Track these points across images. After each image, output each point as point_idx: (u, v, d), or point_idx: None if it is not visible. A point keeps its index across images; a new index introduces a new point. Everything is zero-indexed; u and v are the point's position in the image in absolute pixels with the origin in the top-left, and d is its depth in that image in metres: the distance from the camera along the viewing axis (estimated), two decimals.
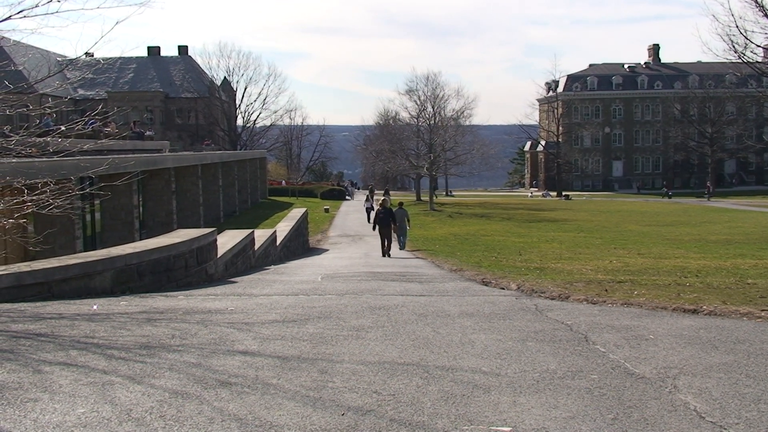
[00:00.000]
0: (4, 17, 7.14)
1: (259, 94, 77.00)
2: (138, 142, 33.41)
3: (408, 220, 22.03)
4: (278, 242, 18.72)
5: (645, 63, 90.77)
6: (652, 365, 4.05)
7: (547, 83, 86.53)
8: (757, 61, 25.59)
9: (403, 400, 3.35)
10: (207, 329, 5.02)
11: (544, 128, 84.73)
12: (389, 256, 19.91)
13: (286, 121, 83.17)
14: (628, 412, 3.22)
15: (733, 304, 6.73)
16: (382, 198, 25.85)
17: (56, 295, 6.75)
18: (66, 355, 4.16)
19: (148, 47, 75.72)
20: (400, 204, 22.74)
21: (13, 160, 8.32)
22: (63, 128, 8.20)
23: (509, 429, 2.99)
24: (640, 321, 5.57)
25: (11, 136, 7.73)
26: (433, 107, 59.22)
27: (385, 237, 20.47)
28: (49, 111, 9.64)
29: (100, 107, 10.20)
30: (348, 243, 29.24)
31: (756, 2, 22.94)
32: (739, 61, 25.01)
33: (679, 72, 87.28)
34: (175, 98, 72.19)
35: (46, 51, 52.34)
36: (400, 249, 21.45)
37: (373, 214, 38.58)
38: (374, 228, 21.29)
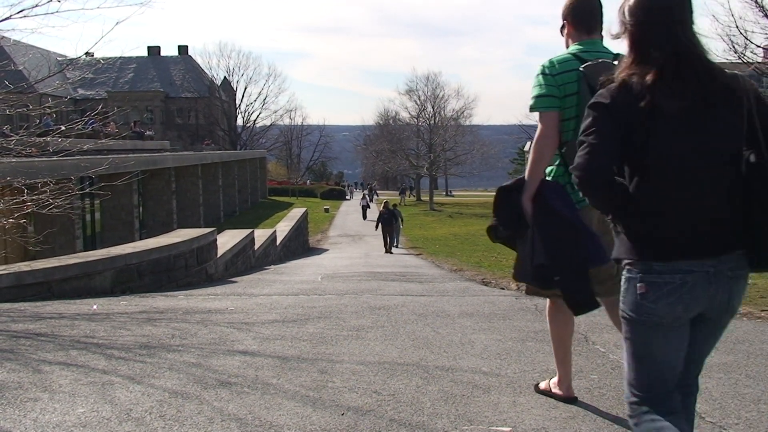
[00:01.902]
0: (4, 17, 7.15)
1: (259, 93, 77.29)
2: (138, 141, 33.41)
3: (402, 220, 25.54)
4: (278, 242, 18.73)
5: None
6: None
7: None
8: (757, 62, 25.57)
9: (403, 400, 3.35)
10: (207, 329, 5.02)
11: None
12: (391, 252, 22.61)
13: (286, 121, 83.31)
14: None
15: None
16: (385, 200, 28.82)
17: (56, 294, 6.75)
18: (66, 354, 4.16)
19: (148, 47, 75.65)
20: (394, 206, 26.70)
21: (13, 160, 8.32)
22: (63, 128, 8.20)
23: (509, 429, 2.99)
24: None
25: (11, 136, 7.74)
26: (433, 107, 59.27)
27: (387, 235, 23.30)
28: (49, 111, 9.64)
29: (100, 107, 10.21)
30: (348, 243, 29.25)
31: (756, 3, 22.93)
32: (739, 61, 24.96)
33: None
34: (175, 98, 72.16)
35: (47, 51, 52.27)
36: (395, 246, 24.37)
37: (369, 212, 41.29)
38: (377, 227, 24.16)
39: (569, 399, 3.34)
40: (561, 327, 3.30)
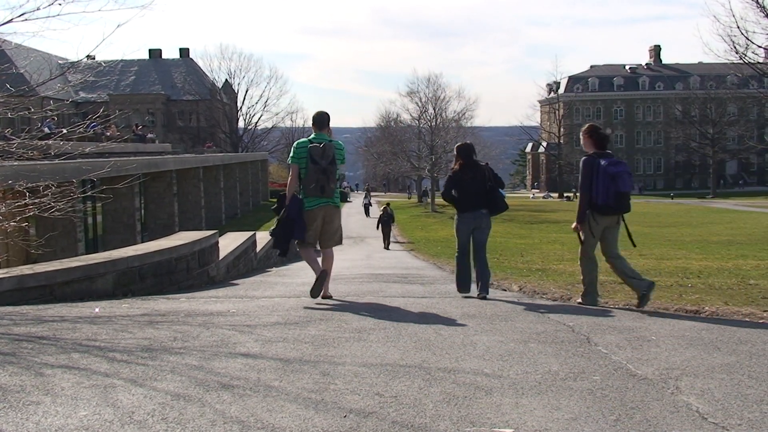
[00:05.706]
0: (5, 20, 7.16)
1: (261, 96, 77.05)
2: (140, 144, 33.45)
3: (393, 219, 30.65)
4: None
5: (646, 64, 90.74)
6: (654, 366, 4.05)
7: (548, 84, 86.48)
8: (758, 62, 25.54)
9: (405, 402, 3.34)
10: (209, 331, 5.02)
11: (546, 129, 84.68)
12: (389, 249, 26.93)
13: (288, 123, 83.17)
14: (630, 413, 3.22)
15: (735, 305, 6.72)
16: (386, 203, 34.09)
17: (58, 297, 6.76)
18: (68, 357, 4.17)
19: (150, 50, 75.79)
20: (387, 204, 31.74)
21: (15, 163, 8.33)
22: (65, 131, 8.21)
23: (511, 431, 2.99)
24: (642, 322, 5.57)
25: (13, 139, 7.74)
26: (434, 109, 59.23)
27: (386, 233, 28.44)
28: (50, 114, 9.65)
29: (101, 110, 10.20)
30: (350, 245, 29.23)
31: (757, 3, 22.92)
32: (741, 61, 24.95)
33: (680, 73, 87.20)
34: (177, 101, 72.24)
35: (48, 54, 52.38)
36: (392, 242, 29.21)
37: (371, 210, 48.97)
38: (378, 227, 29.54)
39: (320, 279, 6.62)
40: (309, 254, 6.81)
